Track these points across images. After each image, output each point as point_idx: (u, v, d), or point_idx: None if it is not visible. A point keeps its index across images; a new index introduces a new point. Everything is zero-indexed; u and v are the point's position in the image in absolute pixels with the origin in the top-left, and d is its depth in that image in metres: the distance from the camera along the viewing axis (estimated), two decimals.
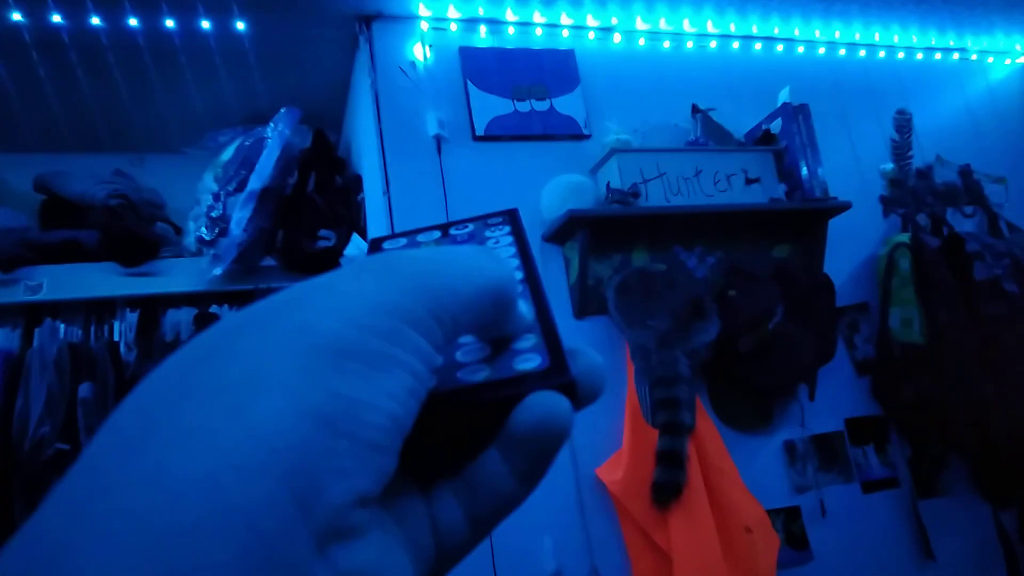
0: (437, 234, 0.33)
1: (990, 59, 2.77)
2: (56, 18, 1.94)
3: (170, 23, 1.98)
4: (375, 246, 0.32)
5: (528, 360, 0.23)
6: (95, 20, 1.96)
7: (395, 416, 0.19)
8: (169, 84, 2.19)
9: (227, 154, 2.04)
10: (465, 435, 0.23)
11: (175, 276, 2.04)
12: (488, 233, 0.32)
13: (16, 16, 1.90)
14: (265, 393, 0.17)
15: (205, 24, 1.99)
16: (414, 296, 0.20)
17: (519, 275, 0.28)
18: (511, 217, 0.33)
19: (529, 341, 0.24)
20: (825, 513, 1.97)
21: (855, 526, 2.00)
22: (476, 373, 0.23)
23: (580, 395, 0.23)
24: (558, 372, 0.23)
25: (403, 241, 0.32)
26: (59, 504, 0.17)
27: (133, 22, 1.97)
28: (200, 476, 0.16)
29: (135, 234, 2.07)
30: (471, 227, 0.33)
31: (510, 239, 0.31)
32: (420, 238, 0.33)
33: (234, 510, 0.15)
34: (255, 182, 1.94)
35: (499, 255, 0.25)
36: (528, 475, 0.23)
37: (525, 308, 0.25)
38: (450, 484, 0.23)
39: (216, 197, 1.98)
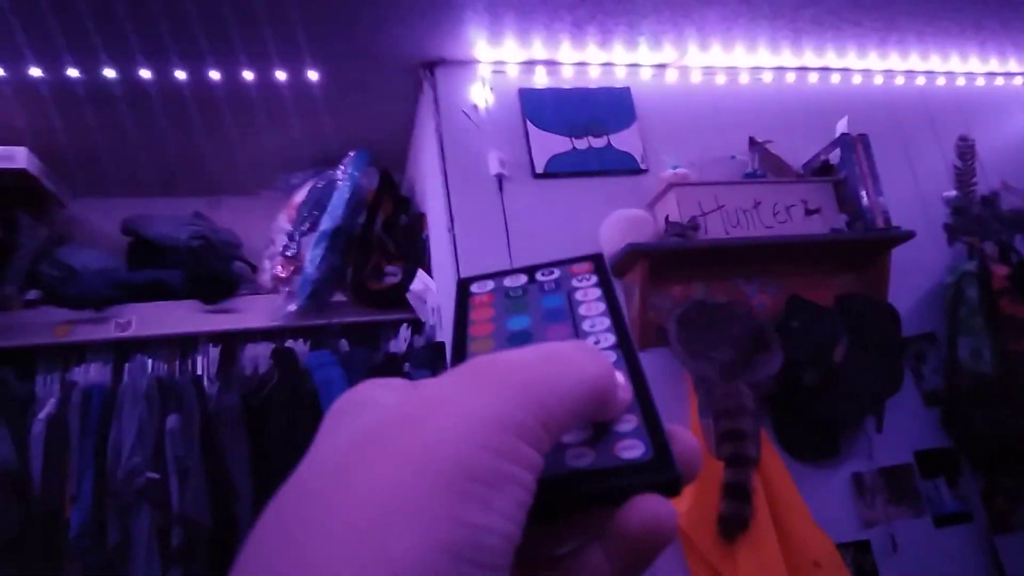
0: (524, 278, 0.34)
1: None
2: (143, 73, 2.08)
3: (248, 75, 2.11)
4: (463, 288, 0.34)
5: (632, 448, 0.23)
6: (179, 74, 2.10)
7: (510, 535, 0.19)
8: (244, 131, 2.32)
9: (300, 196, 2.15)
10: (563, 519, 0.24)
11: (252, 313, 2.15)
12: (575, 283, 0.32)
13: (109, 72, 2.06)
14: (400, 526, 0.17)
15: (280, 74, 2.12)
16: (526, 408, 0.21)
17: (613, 355, 0.28)
18: (597, 264, 0.33)
19: (630, 423, 0.24)
20: (896, 548, 1.93)
21: (927, 562, 1.95)
22: (581, 458, 0.23)
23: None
24: (664, 466, 0.22)
25: (491, 284, 0.34)
26: None
27: (214, 75, 2.11)
28: None
29: (215, 273, 2.19)
30: (556, 273, 0.34)
31: (598, 292, 0.31)
32: (507, 282, 0.34)
33: None
34: (327, 222, 2.03)
35: (596, 350, 0.25)
36: (629, 573, 0.23)
37: (622, 379, 0.25)
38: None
39: (290, 237, 2.08)
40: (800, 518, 1.80)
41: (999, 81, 2.64)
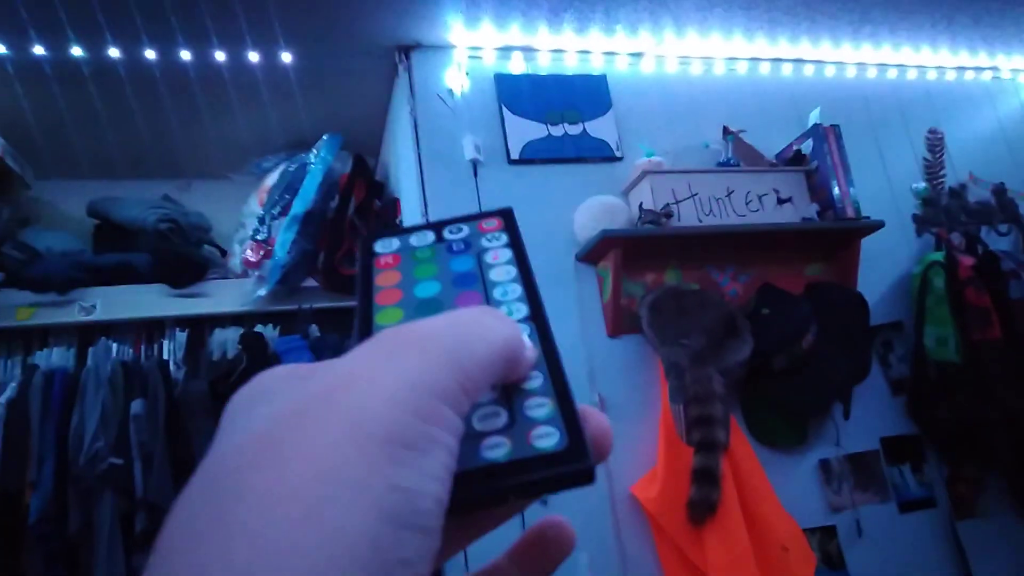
0: (431, 235, 0.32)
1: (1022, 77, 2.76)
2: (112, 51, 2.04)
3: (220, 55, 2.08)
4: (367, 247, 0.32)
5: (546, 436, 0.23)
6: (149, 53, 2.06)
7: (439, 498, 0.19)
8: (216, 113, 2.29)
9: (272, 179, 2.12)
10: (476, 512, 0.24)
11: (221, 297, 2.12)
12: (485, 243, 0.31)
13: (76, 51, 2.01)
14: (337, 493, 0.17)
15: (253, 56, 2.08)
16: (446, 372, 0.21)
17: (527, 328, 0.27)
18: (507, 222, 0.32)
19: (544, 408, 0.24)
20: (861, 533, 1.96)
21: (892, 547, 1.99)
22: (496, 448, 0.23)
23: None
24: (578, 456, 0.22)
25: (396, 243, 0.32)
26: None
27: (185, 55, 2.07)
28: None
29: (184, 256, 2.15)
30: (465, 230, 0.32)
31: (509, 254, 0.31)
32: (413, 240, 0.32)
33: None
34: (299, 206, 2.01)
35: (501, 313, 0.26)
36: None
37: (527, 340, 0.26)
38: None
39: (261, 220, 2.06)
40: (768, 503, 1.82)
41: (969, 75, 2.68)
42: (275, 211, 2.05)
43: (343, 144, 2.23)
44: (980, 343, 2.04)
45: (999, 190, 2.43)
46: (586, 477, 0.22)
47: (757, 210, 2.05)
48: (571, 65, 2.26)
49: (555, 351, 0.26)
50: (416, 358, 0.21)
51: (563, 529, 0.26)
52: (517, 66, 2.20)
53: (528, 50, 2.21)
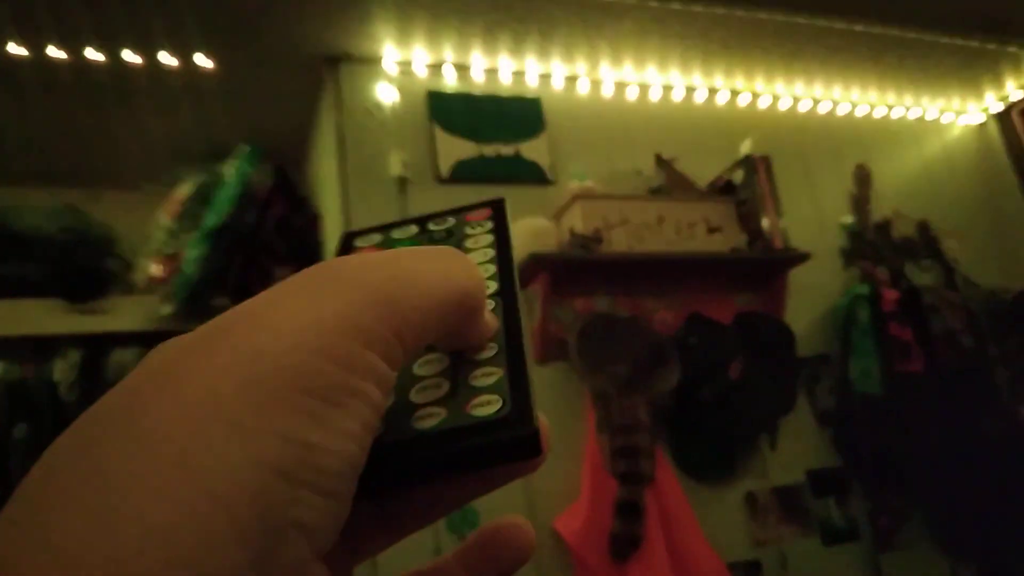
0: (415, 229, 0.30)
1: (946, 118, 2.85)
2: (13, 47, 1.90)
3: (131, 56, 1.96)
4: (346, 242, 0.30)
5: (487, 404, 0.21)
6: (54, 51, 1.93)
7: (352, 458, 0.17)
8: (128, 119, 2.16)
9: (184, 190, 2.00)
10: (404, 494, 0.22)
11: (122, 314, 1.98)
12: (468, 231, 0.29)
13: None
14: (217, 439, 0.15)
15: (167, 59, 1.97)
16: (374, 312, 0.18)
17: (492, 285, 0.25)
18: (496, 210, 0.30)
19: (492, 377, 0.22)
20: (786, 566, 1.94)
21: None
22: (428, 419, 0.20)
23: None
24: (520, 422, 0.20)
25: (377, 237, 0.30)
26: None
27: (93, 54, 1.95)
28: (140, 533, 0.13)
29: (85, 269, 2.01)
30: (451, 220, 0.30)
31: (490, 239, 0.28)
32: (396, 234, 0.30)
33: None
34: (211, 219, 1.90)
35: (466, 257, 0.23)
36: None
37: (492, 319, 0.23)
38: None
39: (170, 234, 1.93)
40: (693, 538, 1.78)
41: (895, 114, 2.75)
42: (185, 224, 1.93)
43: (265, 156, 2.12)
44: (902, 376, 2.06)
45: (923, 226, 2.49)
46: (528, 446, 0.19)
47: (688, 239, 2.04)
48: (505, 85, 2.21)
49: (518, 328, 0.24)
50: (336, 294, 0.18)
51: (520, 531, 0.22)
52: (450, 84, 2.15)
53: (462, 68, 2.16)
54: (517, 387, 0.21)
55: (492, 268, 0.27)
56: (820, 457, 2.12)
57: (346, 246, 0.30)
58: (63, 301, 1.92)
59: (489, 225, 0.29)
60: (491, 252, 0.28)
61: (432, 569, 0.23)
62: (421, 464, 0.20)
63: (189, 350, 0.17)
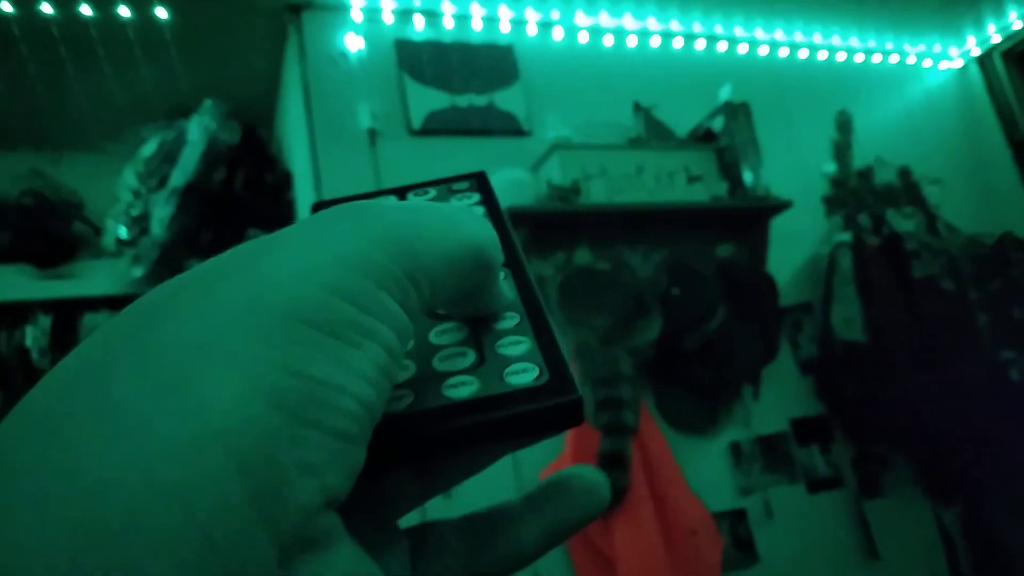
0: (394, 199, 0.29)
1: (927, 62, 2.81)
2: None
3: (86, 10, 1.87)
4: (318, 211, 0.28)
5: (523, 372, 0.20)
6: (6, 6, 1.84)
7: (367, 401, 0.16)
8: (87, 76, 2.07)
9: (148, 149, 1.93)
10: (437, 465, 0.22)
11: (93, 278, 1.92)
12: (455, 201, 0.28)
13: None
14: (213, 368, 0.14)
15: (124, 12, 1.89)
16: (388, 251, 0.17)
17: (500, 273, 0.24)
18: (479, 182, 0.29)
19: (521, 345, 0.21)
20: (771, 515, 1.94)
21: (801, 527, 1.98)
22: (462, 387, 0.20)
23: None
24: (563, 389, 0.19)
25: None
26: None
27: (47, 9, 1.86)
28: (129, 467, 0.13)
29: (51, 234, 1.95)
30: (433, 192, 0.29)
31: (481, 210, 0.27)
32: None
33: (176, 510, 0.13)
34: (178, 178, 1.84)
35: (482, 217, 0.22)
36: (551, 543, 0.22)
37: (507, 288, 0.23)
38: (454, 532, 0.21)
39: (136, 194, 1.87)
40: (677, 487, 1.78)
41: (876, 58, 2.70)
42: (152, 184, 1.86)
43: (233, 113, 2.05)
44: (884, 322, 2.05)
45: (904, 173, 2.46)
46: (571, 413, 0.19)
47: (667, 188, 2.00)
48: (477, 32, 2.14)
49: (534, 293, 0.23)
50: (349, 229, 0.17)
51: (597, 488, 0.22)
52: (419, 31, 2.08)
53: (431, 14, 2.08)
54: (551, 355, 0.21)
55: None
56: (803, 405, 2.12)
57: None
58: (31, 267, 1.86)
59: (476, 196, 0.28)
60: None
61: (499, 509, 0.22)
62: (463, 433, 0.19)
63: (192, 283, 0.16)
